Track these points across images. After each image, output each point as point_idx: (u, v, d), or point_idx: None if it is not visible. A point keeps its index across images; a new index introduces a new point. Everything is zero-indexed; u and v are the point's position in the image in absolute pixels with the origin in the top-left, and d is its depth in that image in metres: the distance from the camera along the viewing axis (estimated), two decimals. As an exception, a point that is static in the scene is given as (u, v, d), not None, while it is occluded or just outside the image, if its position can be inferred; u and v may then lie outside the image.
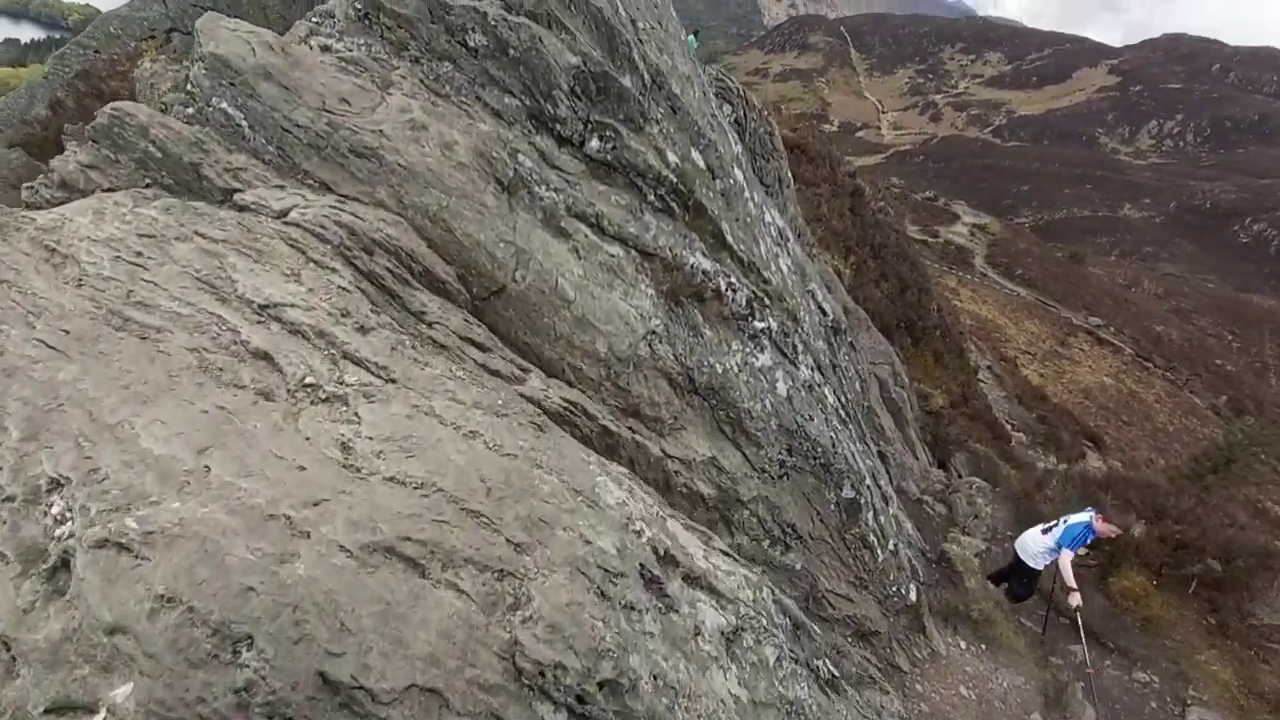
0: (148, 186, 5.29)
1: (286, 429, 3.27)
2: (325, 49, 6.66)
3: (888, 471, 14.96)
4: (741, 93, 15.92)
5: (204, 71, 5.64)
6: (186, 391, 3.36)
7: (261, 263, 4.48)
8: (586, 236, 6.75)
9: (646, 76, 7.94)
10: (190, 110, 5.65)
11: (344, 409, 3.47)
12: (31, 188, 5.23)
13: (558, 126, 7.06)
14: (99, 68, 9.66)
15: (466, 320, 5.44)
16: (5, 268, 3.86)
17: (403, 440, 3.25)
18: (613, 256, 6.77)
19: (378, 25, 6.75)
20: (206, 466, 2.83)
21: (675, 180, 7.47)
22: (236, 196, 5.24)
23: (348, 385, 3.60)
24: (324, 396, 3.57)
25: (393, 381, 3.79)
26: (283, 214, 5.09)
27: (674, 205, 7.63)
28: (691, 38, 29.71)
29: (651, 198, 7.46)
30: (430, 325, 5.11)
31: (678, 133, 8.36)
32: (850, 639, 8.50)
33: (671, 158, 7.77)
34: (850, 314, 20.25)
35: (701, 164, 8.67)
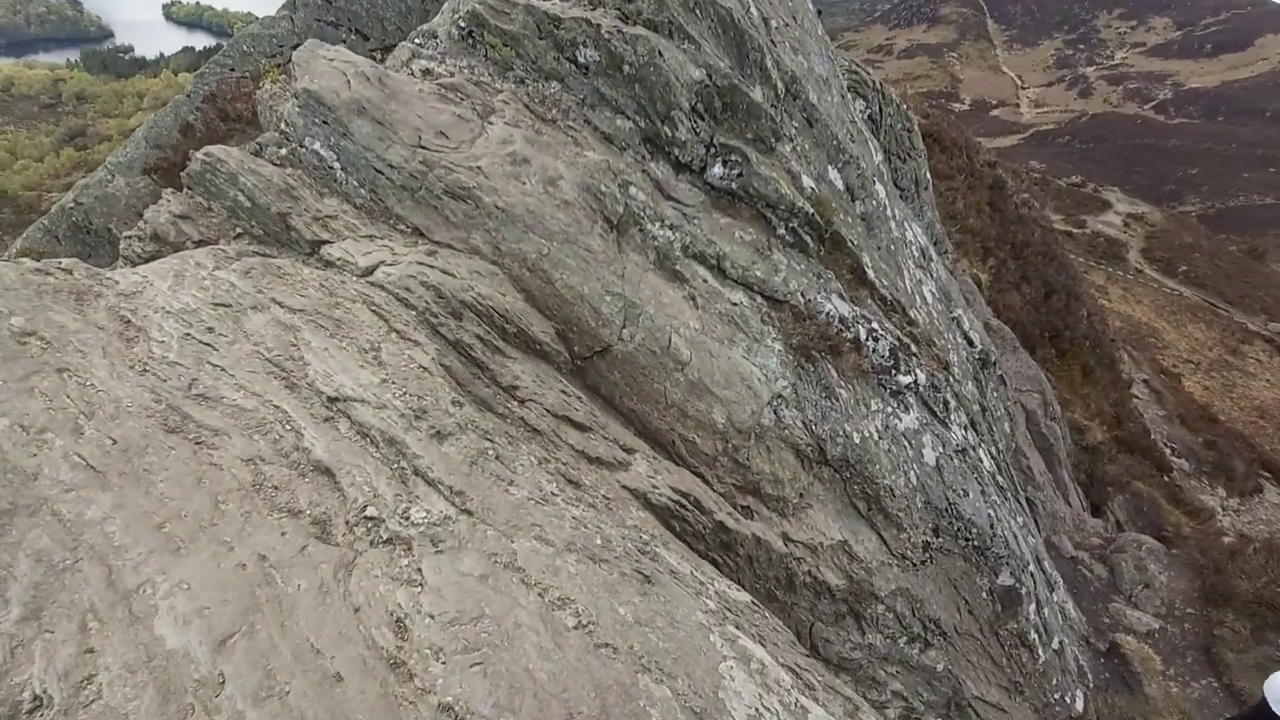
0: (238, 236, 4.92)
1: (334, 593, 2.62)
2: (426, 73, 6.09)
3: (1036, 522, 12.96)
4: (877, 85, 14.16)
5: (297, 110, 5.20)
6: (229, 529, 2.79)
7: (338, 337, 3.90)
8: (705, 281, 5.78)
9: (780, 86, 6.80)
10: (283, 151, 5.24)
11: (406, 560, 2.78)
12: (129, 238, 5.01)
13: (675, 151, 6.12)
14: (226, 89, 9.91)
15: (564, 393, 4.67)
16: (73, 350, 3.49)
17: (471, 626, 2.50)
18: (735, 305, 5.77)
19: (481, 45, 6.10)
20: (221, 677, 2.21)
21: (810, 211, 6.32)
22: (324, 249, 4.75)
23: (414, 525, 2.91)
24: (385, 537, 2.90)
25: (468, 513, 3.07)
26: (368, 271, 4.53)
27: (807, 239, 6.48)
28: None
29: (782, 231, 6.36)
30: (523, 403, 4.38)
31: (813, 149, 7.16)
32: (1000, 756, 7.09)
33: (806, 182, 6.61)
34: (993, 332, 17.97)
35: (840, 184, 7.42)
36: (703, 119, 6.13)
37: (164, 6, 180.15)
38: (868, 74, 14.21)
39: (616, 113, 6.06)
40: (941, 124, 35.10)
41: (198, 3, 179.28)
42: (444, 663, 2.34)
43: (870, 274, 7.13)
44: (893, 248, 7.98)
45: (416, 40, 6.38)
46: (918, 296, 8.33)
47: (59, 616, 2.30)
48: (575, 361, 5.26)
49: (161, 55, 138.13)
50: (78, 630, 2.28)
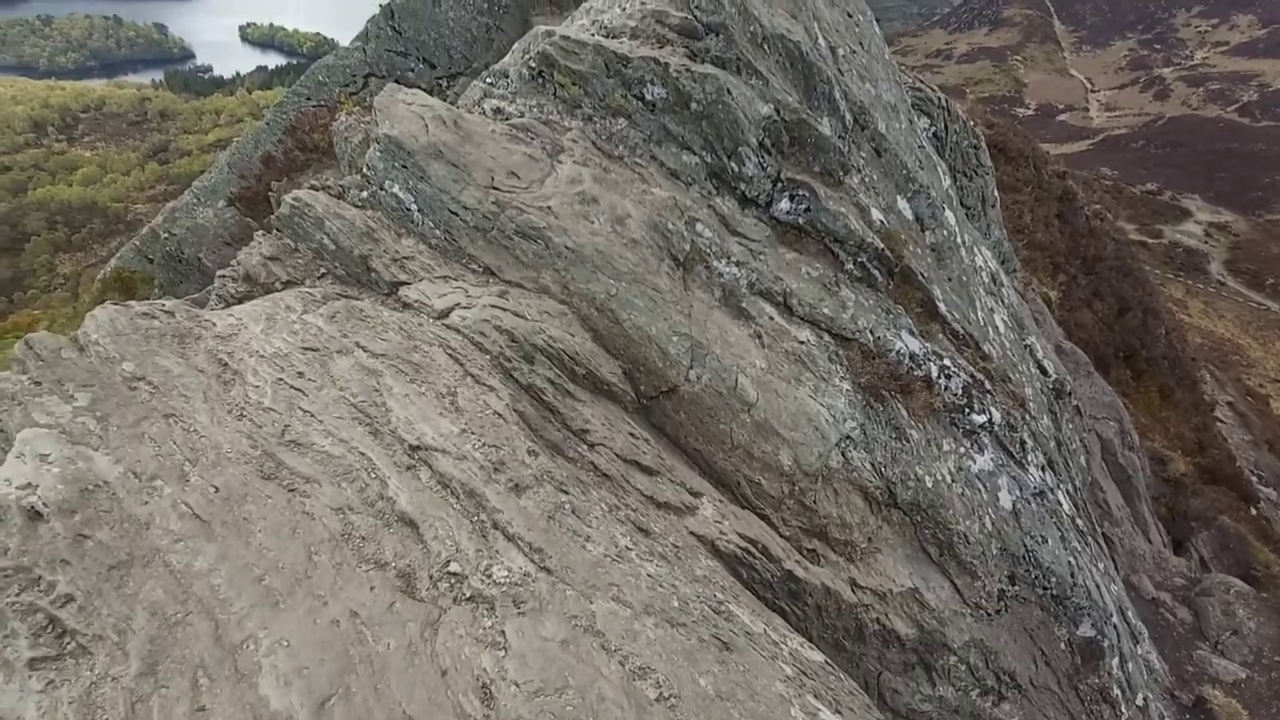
0: (322, 276, 5.14)
1: (422, 654, 2.67)
2: (498, 112, 6.25)
3: (1113, 560, 12.28)
4: (942, 102, 13.74)
5: (379, 154, 5.40)
6: (322, 582, 2.90)
7: (418, 382, 4.02)
8: (771, 319, 5.71)
9: (849, 117, 6.69)
10: (365, 194, 5.45)
11: (489, 622, 2.82)
12: (223, 278, 5.29)
13: (742, 186, 6.08)
14: (304, 121, 10.42)
15: (632, 435, 4.67)
16: (177, 394, 3.70)
17: (556, 698, 2.51)
18: (801, 344, 5.67)
19: (550, 84, 6.21)
20: (323, 744, 2.29)
21: (879, 245, 6.17)
22: (402, 291, 4.90)
23: (496, 584, 2.95)
24: (468, 594, 2.95)
25: (547, 571, 3.09)
26: (444, 314, 4.65)
27: (876, 273, 6.33)
28: None
29: (850, 266, 6.23)
30: (593, 447, 4.40)
31: (882, 179, 7.01)
32: (1079, 819, 6.68)
33: (875, 215, 6.46)
34: (1066, 355, 17.16)
35: (909, 215, 7.23)
36: (769, 154, 6.08)
37: (240, 29, 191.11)
38: (933, 90, 13.83)
39: (683, 148, 6.07)
40: (1007, 134, 33.85)
41: (271, 24, 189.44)
42: (531, 737, 2.37)
43: (941, 308, 6.91)
44: (964, 278, 7.71)
45: (488, 80, 6.55)
46: (990, 328, 8.03)
47: (173, 672, 2.43)
48: (641, 400, 5.27)
49: (237, 74, 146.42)
50: (190, 687, 2.39)
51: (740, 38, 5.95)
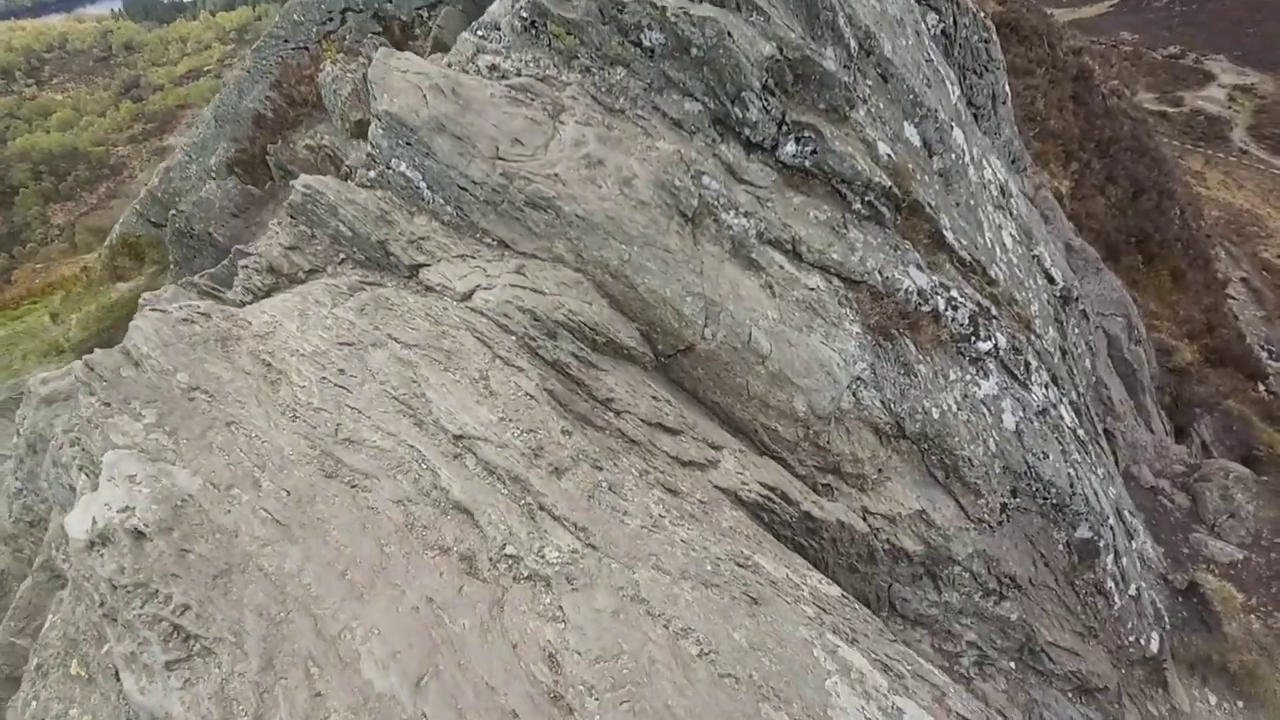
0: (342, 261, 5.27)
1: (493, 630, 3.07)
2: (493, 69, 6.09)
3: (1114, 454, 12.82)
4: (950, -7, 12.89)
5: (381, 132, 5.37)
6: (397, 572, 3.28)
7: (451, 370, 4.27)
8: (781, 268, 5.82)
9: (854, 44, 6.45)
10: (372, 174, 5.47)
11: (548, 599, 3.20)
12: (246, 269, 5.43)
13: (746, 131, 6.00)
14: (289, 73, 10.03)
15: (654, 398, 4.95)
16: (233, 400, 3.98)
17: (614, 663, 2.91)
18: (811, 290, 5.81)
19: (544, 34, 6.01)
20: (424, 715, 2.70)
21: (886, 184, 6.14)
22: (422, 273, 5.05)
23: (549, 564, 3.31)
24: (526, 574, 3.32)
25: (593, 548, 3.45)
26: (467, 296, 4.82)
27: (884, 210, 6.34)
28: None
29: (857, 205, 6.24)
30: (619, 414, 4.70)
31: (888, 107, 6.84)
32: (1071, 694, 7.47)
33: (882, 149, 6.38)
34: (1075, 253, 17.02)
35: (917, 141, 7.11)
36: (773, 95, 5.95)
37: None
38: (939, -20, 12.94)
39: (685, 95, 5.95)
40: (1019, 10, 31.72)
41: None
42: (597, 699, 2.79)
43: (949, 236, 6.94)
44: (971, 201, 7.66)
45: (479, 33, 6.33)
46: (997, 247, 8.05)
47: (288, 664, 2.84)
48: (660, 360, 5.50)
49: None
50: (304, 676, 2.81)
51: (738, -27, 5.68)
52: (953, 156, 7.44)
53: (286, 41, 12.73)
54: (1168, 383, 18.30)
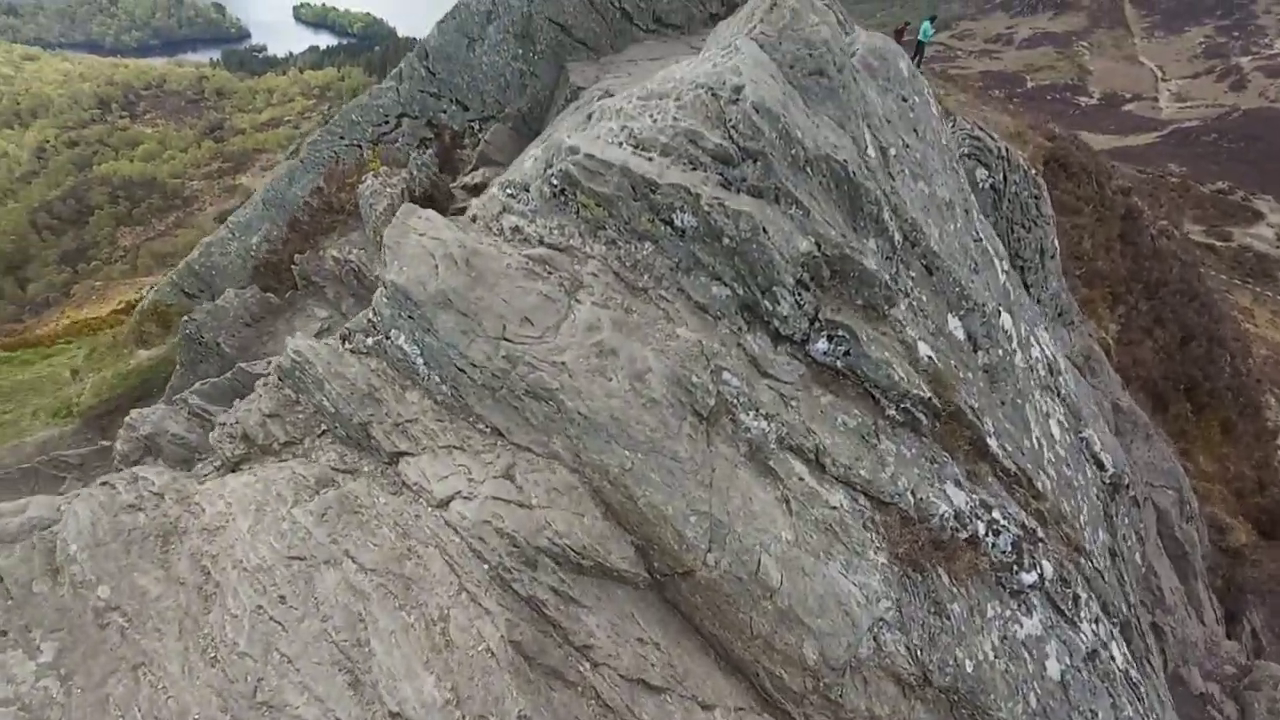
0: (322, 434, 4.86)
1: None
2: (516, 231, 5.84)
3: (1163, 654, 11.51)
4: (1002, 151, 12.71)
5: (385, 301, 5.07)
6: None
7: (407, 608, 3.71)
8: (801, 480, 5.22)
9: (898, 236, 6.09)
10: (370, 341, 5.14)
11: None
12: (221, 435, 5.06)
13: (776, 323, 5.57)
14: (332, 179, 10.18)
15: (640, 640, 4.31)
16: (151, 628, 3.50)
17: None
18: (833, 510, 5.18)
19: (573, 203, 5.77)
20: None
21: (925, 394, 5.60)
22: (402, 464, 4.60)
23: None
24: None
25: None
26: (444, 503, 4.32)
27: (920, 416, 5.77)
28: (926, 24, 25.62)
29: (892, 411, 5.68)
30: (596, 667, 4.05)
31: (932, 299, 6.39)
32: None
33: (923, 350, 5.88)
34: (1123, 414, 16.11)
35: (961, 335, 6.60)
36: (808, 290, 5.54)
37: (294, 8, 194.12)
38: (992, 139, 12.85)
39: (713, 279, 5.58)
40: (1068, 147, 31.93)
41: (324, 4, 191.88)
42: None
43: (992, 444, 6.30)
44: (1019, 400, 7.05)
45: (509, 192, 6.14)
46: (1044, 446, 7.35)
47: None
48: (655, 577, 4.87)
49: (290, 54, 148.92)
50: None
51: (780, 164, 5.40)
52: (1000, 352, 6.90)
53: (342, 138, 13.12)
54: (1220, 564, 16.82)
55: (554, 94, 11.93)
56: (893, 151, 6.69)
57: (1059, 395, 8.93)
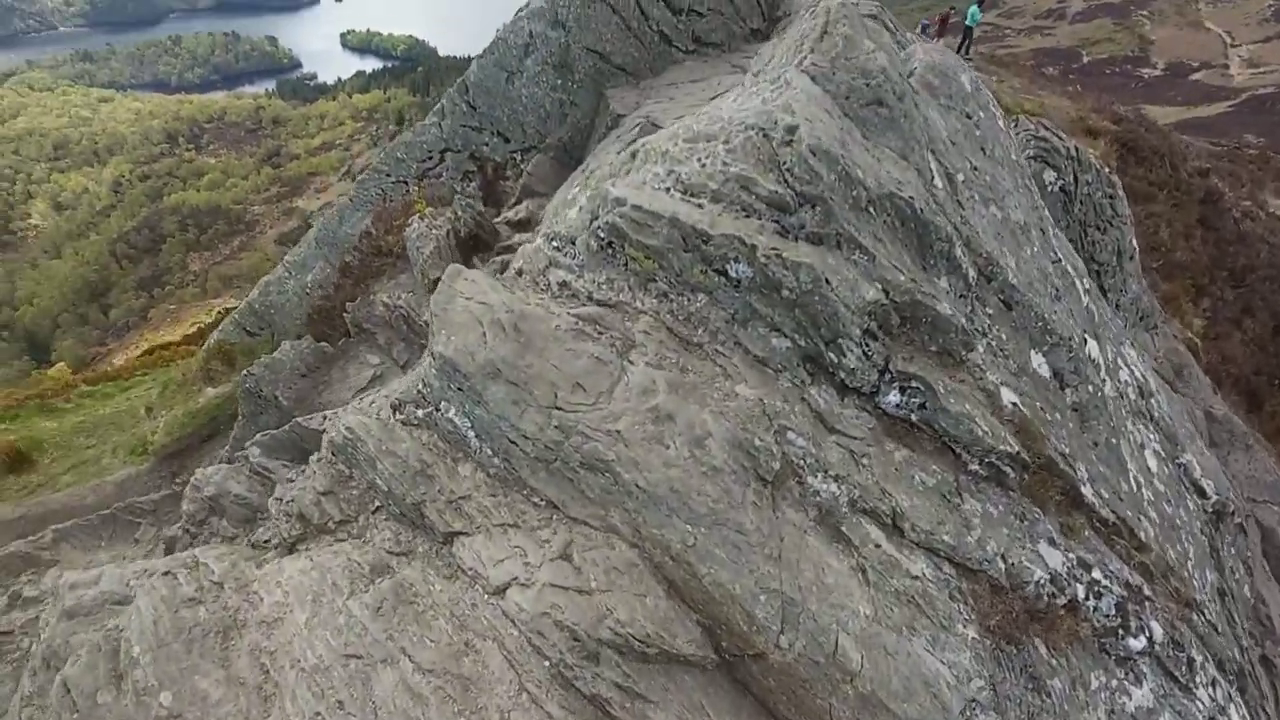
0: (376, 510, 4.76)
1: None
2: (563, 286, 5.66)
3: (1274, 688, 10.48)
4: (1071, 151, 11.81)
5: (434, 373, 4.95)
6: None
7: (466, 713, 3.52)
8: (877, 547, 4.85)
9: (972, 272, 5.63)
10: (420, 413, 5.03)
11: None
12: (278, 513, 5.03)
13: (842, 375, 5.21)
14: (380, 222, 10.29)
15: (712, 737, 4.01)
16: (213, 736, 3.36)
17: None
18: (915, 580, 4.78)
19: (621, 255, 5.55)
20: None
21: (1013, 449, 5.13)
22: (456, 545, 4.45)
23: None
24: None
25: None
26: (500, 591, 4.15)
27: (1007, 469, 5.29)
28: (974, 9, 24.25)
29: (975, 466, 5.24)
30: (665, 771, 3.78)
31: (1013, 336, 5.89)
32: None
33: (1006, 397, 5.40)
34: (1218, 424, 14.90)
35: (1046, 373, 6.07)
36: (876, 339, 5.16)
37: (341, 36, 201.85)
38: (1059, 138, 12.01)
39: (772, 330, 5.26)
40: (1136, 130, 29.97)
41: (368, 30, 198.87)
42: None
43: (1087, 493, 5.76)
44: (1113, 439, 6.45)
45: (554, 244, 5.97)
46: (1143, 485, 6.71)
47: None
48: (725, 658, 4.58)
49: (339, 79, 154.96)
50: None
51: (841, 208, 5.05)
52: (1090, 389, 6.33)
53: (388, 175, 13.31)
54: (1338, 583, 15.31)
55: (594, 121, 11.80)
56: (960, 177, 6.23)
57: (1151, 419, 8.20)
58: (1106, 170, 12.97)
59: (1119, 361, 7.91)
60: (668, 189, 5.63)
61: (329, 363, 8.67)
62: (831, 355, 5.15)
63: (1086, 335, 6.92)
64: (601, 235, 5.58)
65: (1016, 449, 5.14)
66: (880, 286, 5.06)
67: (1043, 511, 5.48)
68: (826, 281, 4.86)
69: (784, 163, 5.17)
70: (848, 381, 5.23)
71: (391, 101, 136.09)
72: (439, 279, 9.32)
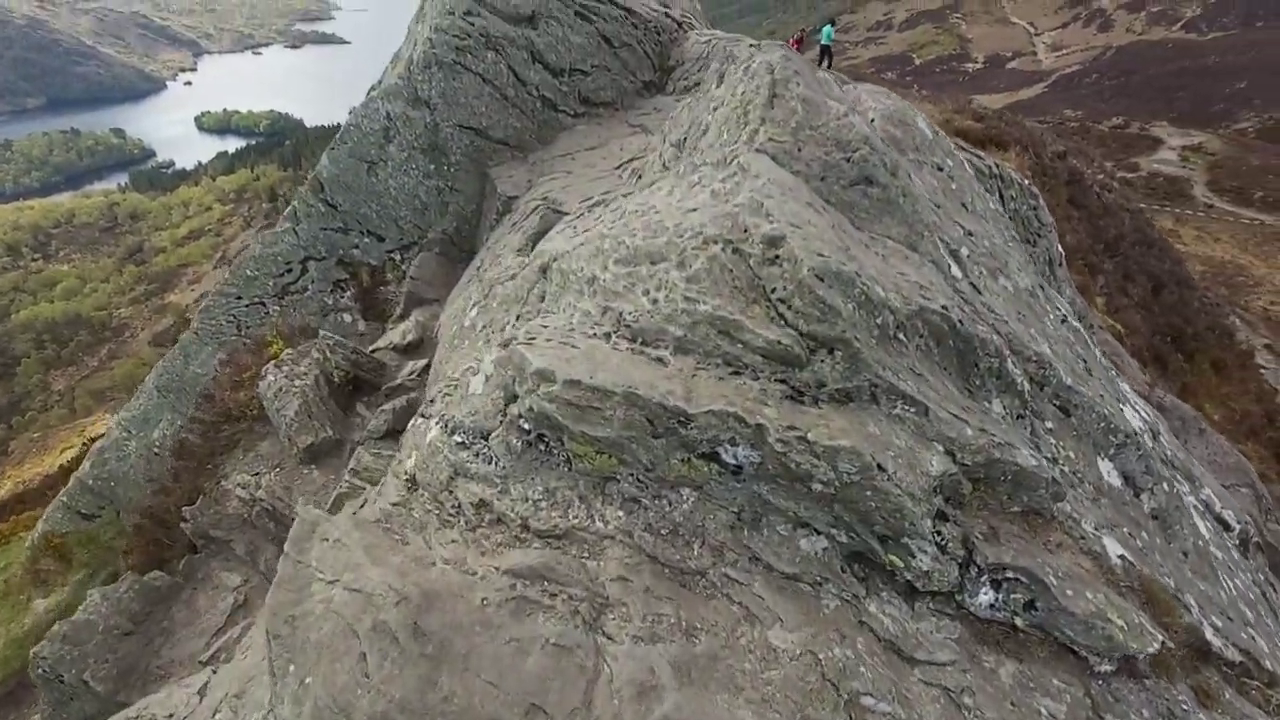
0: None
1: None
2: (482, 511, 3.77)
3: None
4: (994, 169, 11.30)
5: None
6: None
7: None
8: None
9: (1025, 386, 4.23)
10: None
11: None
12: None
13: (909, 576, 3.61)
14: (225, 377, 7.94)
15: None
16: None
17: None
18: None
19: (560, 452, 3.75)
20: None
21: (1155, 644, 3.68)
22: None
23: None
24: None
25: None
26: None
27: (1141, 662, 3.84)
28: (828, 28, 24.56)
29: (1104, 666, 3.74)
30: None
31: (1077, 448, 4.55)
32: None
33: (1111, 551, 3.99)
34: (1169, 412, 14.64)
35: (1118, 481, 4.76)
36: (948, 519, 3.60)
37: (195, 119, 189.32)
38: (978, 157, 11.41)
39: (797, 526, 3.60)
40: (998, 125, 31.40)
41: (224, 110, 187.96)
42: None
43: (1212, 640, 4.41)
44: (1200, 541, 5.22)
45: (457, 440, 4.08)
46: (1221, 575, 5.52)
47: None
48: None
49: (199, 164, 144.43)
50: None
51: (869, 348, 3.50)
52: (1165, 488, 5.08)
53: (239, 299, 10.87)
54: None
55: (481, 205, 10.01)
56: (964, 252, 4.90)
57: (1174, 466, 7.19)
58: (1027, 182, 12.51)
59: (1135, 410, 6.85)
60: (608, 336, 3.93)
61: (167, 600, 6.23)
62: (894, 558, 3.54)
63: (1120, 403, 5.76)
64: (526, 428, 3.77)
65: (1161, 638, 3.69)
66: (943, 448, 3.53)
67: (1170, 680, 4.06)
68: (879, 467, 3.26)
69: (774, 291, 3.58)
70: (918, 584, 3.63)
71: (261, 180, 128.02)
72: (312, 444, 7.16)
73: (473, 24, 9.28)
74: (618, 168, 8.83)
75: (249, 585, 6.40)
